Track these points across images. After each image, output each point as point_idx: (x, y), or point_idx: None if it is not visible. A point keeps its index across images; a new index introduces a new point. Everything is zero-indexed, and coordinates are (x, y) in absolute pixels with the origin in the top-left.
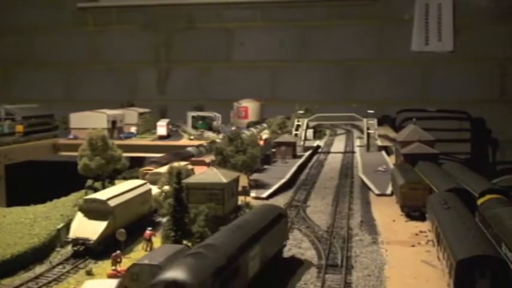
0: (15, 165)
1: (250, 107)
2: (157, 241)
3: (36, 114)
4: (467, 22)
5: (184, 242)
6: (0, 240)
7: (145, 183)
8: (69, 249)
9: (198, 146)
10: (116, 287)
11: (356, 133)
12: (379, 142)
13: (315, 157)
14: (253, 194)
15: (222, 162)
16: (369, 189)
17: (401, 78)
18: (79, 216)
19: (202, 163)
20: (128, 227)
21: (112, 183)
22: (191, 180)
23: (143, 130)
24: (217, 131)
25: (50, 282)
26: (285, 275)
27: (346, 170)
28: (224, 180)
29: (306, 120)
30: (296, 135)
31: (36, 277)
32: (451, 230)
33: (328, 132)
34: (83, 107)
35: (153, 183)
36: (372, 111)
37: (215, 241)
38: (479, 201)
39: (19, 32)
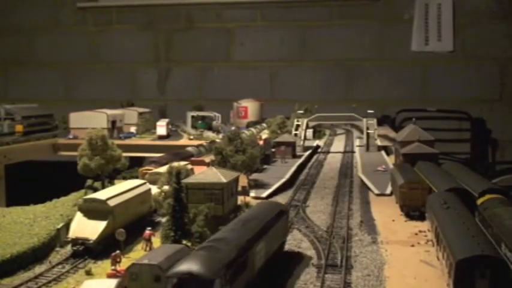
0: (15, 165)
1: (249, 106)
2: (156, 241)
3: (36, 114)
4: (467, 22)
5: (184, 241)
6: (0, 240)
7: (144, 183)
8: (68, 249)
9: (197, 146)
10: (115, 286)
11: (356, 133)
12: (378, 142)
13: (315, 157)
14: (252, 193)
15: (222, 162)
16: (369, 189)
17: (401, 78)
18: (78, 216)
19: (202, 163)
20: (128, 226)
21: (111, 183)
22: (191, 180)
23: (143, 130)
24: (217, 131)
25: (49, 282)
26: (286, 269)
27: (346, 169)
28: (224, 180)
29: (305, 120)
30: (296, 135)
31: (36, 277)
32: (450, 229)
33: (327, 132)
34: (82, 107)
35: (153, 183)
36: (371, 111)
37: (225, 235)
38: (479, 201)
39: (19, 32)
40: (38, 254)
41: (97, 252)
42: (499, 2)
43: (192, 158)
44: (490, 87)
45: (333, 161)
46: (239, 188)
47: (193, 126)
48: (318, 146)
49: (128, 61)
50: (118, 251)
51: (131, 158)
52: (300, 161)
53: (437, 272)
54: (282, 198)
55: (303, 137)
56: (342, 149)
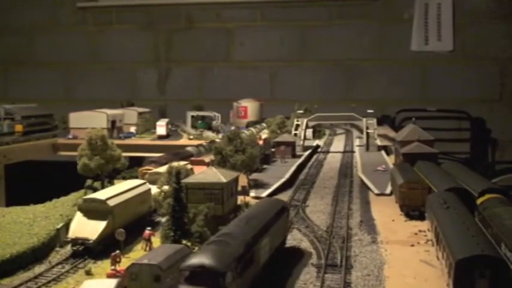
0: (15, 165)
1: (249, 106)
2: (156, 241)
3: (36, 114)
4: (467, 22)
5: (184, 241)
6: (0, 240)
7: (144, 183)
8: (68, 249)
9: (197, 146)
10: (115, 286)
11: (355, 133)
12: (378, 142)
13: (315, 157)
14: (252, 193)
15: (222, 161)
16: (368, 188)
17: (401, 78)
18: (78, 216)
19: (202, 163)
20: (127, 226)
21: (111, 183)
22: (190, 179)
23: (143, 130)
24: (217, 131)
25: (49, 282)
26: (286, 269)
27: (346, 169)
28: (223, 180)
29: (305, 120)
30: (295, 134)
31: (36, 277)
32: (450, 229)
33: (327, 131)
34: (82, 107)
35: (153, 182)
36: (371, 111)
37: (232, 230)
38: (479, 201)
39: (18, 32)
40: (37, 254)
41: (97, 252)
42: (499, 2)
43: (192, 158)
44: (490, 87)
45: (333, 160)
46: (239, 188)
47: (193, 126)
48: (317, 146)
49: (127, 61)
50: (118, 251)
51: (131, 158)
52: (300, 160)
53: (437, 271)
54: (282, 198)
55: (302, 137)
56: (341, 149)
